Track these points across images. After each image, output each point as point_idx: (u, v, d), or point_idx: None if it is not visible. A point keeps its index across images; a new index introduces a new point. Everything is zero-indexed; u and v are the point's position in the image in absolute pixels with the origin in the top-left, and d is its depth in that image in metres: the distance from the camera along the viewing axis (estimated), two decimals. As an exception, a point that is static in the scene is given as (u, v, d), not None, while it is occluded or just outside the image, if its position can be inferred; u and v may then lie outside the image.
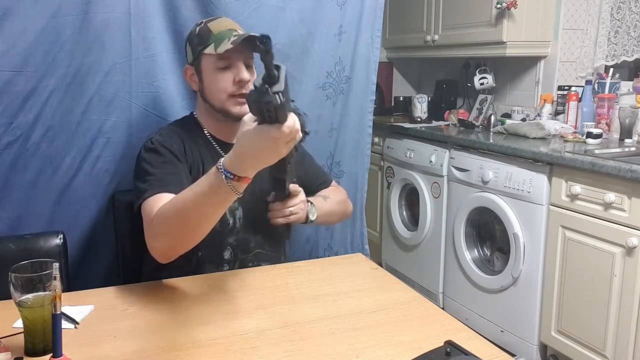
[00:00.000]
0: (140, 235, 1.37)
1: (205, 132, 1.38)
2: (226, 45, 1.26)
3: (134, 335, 0.98)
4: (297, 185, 1.28)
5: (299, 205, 1.29)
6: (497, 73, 3.13)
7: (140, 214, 1.21)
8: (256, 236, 1.38)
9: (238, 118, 1.26)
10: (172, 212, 1.07)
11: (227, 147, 1.35)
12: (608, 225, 1.96)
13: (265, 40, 0.82)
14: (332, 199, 1.48)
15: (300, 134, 0.94)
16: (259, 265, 1.38)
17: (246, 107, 1.11)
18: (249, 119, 0.92)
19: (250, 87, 1.22)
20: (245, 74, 1.29)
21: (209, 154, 1.35)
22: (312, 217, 1.35)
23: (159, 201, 1.14)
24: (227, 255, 1.35)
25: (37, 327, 0.89)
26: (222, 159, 0.96)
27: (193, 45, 1.34)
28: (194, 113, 1.42)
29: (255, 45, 1.03)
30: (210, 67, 1.30)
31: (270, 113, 0.87)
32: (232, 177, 0.95)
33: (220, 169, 0.95)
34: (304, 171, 1.48)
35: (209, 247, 1.30)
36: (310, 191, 1.46)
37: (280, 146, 0.91)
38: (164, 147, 1.28)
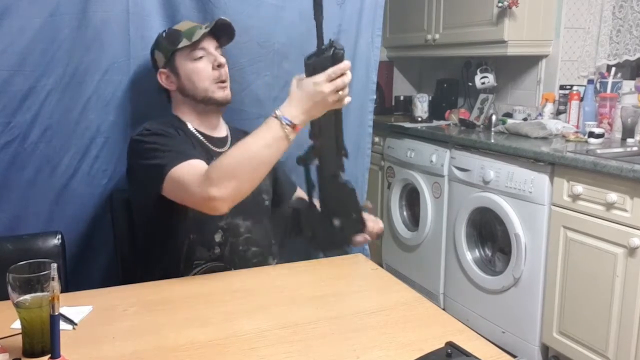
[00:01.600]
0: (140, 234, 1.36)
1: (189, 126, 1.41)
2: (201, 32, 1.35)
3: (133, 336, 0.97)
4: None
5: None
6: (498, 72, 3.13)
7: (155, 193, 1.24)
8: (245, 221, 1.39)
9: (222, 103, 1.40)
10: (235, 160, 1.16)
11: (212, 139, 1.41)
12: (610, 225, 1.95)
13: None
14: None
15: (349, 77, 1.14)
16: (248, 249, 1.38)
17: (228, 92, 1.38)
18: (297, 78, 1.15)
19: (226, 77, 1.39)
20: (222, 58, 1.39)
21: (197, 143, 1.37)
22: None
23: (193, 166, 1.21)
24: (218, 237, 1.36)
25: (35, 328, 0.89)
26: (277, 110, 1.14)
27: (163, 49, 1.40)
28: (174, 112, 1.44)
29: (225, 31, 1.38)
30: (187, 60, 1.37)
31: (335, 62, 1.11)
32: (289, 123, 1.13)
33: (279, 117, 1.13)
34: (282, 178, 1.56)
35: (201, 229, 1.34)
36: (285, 197, 1.57)
37: (331, 90, 1.12)
38: (162, 129, 1.32)
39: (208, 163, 1.26)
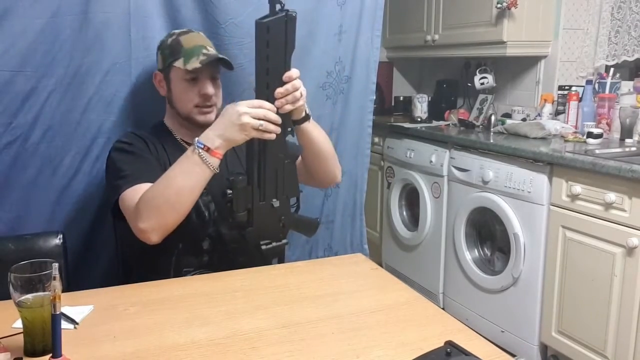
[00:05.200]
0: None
1: (176, 136, 1.42)
2: (194, 64, 1.33)
3: (134, 335, 0.97)
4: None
5: (295, 83, 1.24)
6: (497, 73, 3.13)
7: (117, 210, 1.26)
8: (230, 231, 1.39)
9: (202, 125, 1.37)
10: (155, 191, 1.20)
11: None
12: (608, 225, 1.96)
13: None
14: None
15: (273, 127, 1.18)
16: (235, 259, 1.38)
17: (210, 116, 1.37)
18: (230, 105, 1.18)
19: (216, 101, 1.41)
20: (210, 89, 1.37)
21: (178, 152, 1.35)
22: (309, 112, 1.34)
23: (138, 191, 1.21)
24: (205, 245, 1.38)
25: (36, 328, 0.89)
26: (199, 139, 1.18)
27: (164, 55, 1.39)
28: (164, 119, 1.46)
29: (223, 63, 1.35)
30: (179, 78, 1.37)
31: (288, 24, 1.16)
32: (202, 146, 1.17)
33: (194, 141, 1.18)
34: None
35: (189, 238, 1.36)
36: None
37: (246, 112, 1.15)
38: (131, 145, 1.34)
39: None
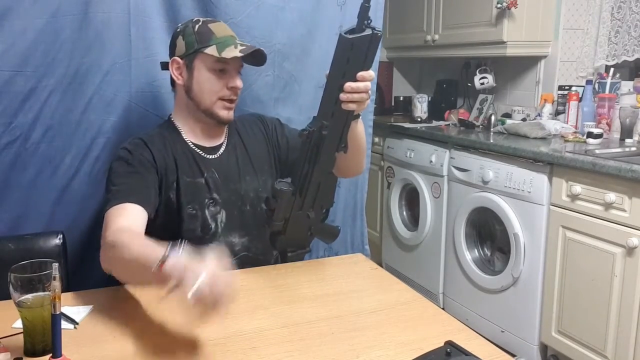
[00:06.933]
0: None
1: (183, 136, 1.37)
2: (233, 52, 1.29)
3: (134, 335, 0.97)
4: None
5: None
6: (497, 73, 3.13)
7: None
8: (241, 239, 1.37)
9: (222, 121, 1.35)
10: (119, 256, 1.07)
11: (205, 149, 1.37)
12: (608, 225, 1.96)
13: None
14: None
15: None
16: (243, 268, 1.35)
17: (231, 114, 1.34)
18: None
19: (236, 94, 1.34)
20: (239, 82, 1.34)
21: (185, 159, 1.34)
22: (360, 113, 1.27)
23: (117, 212, 1.17)
24: None
25: (36, 328, 0.89)
26: (169, 257, 0.91)
27: (189, 40, 1.31)
28: (171, 116, 1.40)
29: (257, 57, 1.29)
30: (206, 66, 1.31)
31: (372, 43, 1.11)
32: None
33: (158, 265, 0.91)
34: (292, 143, 1.47)
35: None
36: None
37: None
38: (132, 156, 1.28)
39: (202, 174, 1.30)
